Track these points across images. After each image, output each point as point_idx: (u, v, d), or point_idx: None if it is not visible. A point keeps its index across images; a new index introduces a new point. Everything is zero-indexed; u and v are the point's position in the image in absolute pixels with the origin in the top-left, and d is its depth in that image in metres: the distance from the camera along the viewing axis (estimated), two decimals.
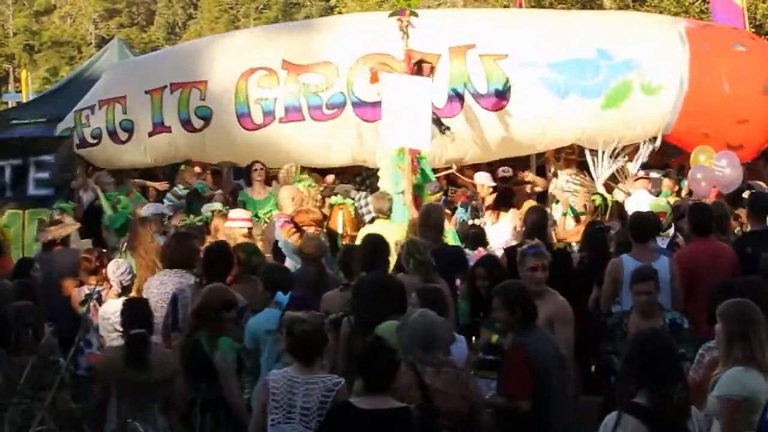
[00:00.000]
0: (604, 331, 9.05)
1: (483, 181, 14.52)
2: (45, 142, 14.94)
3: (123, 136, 15.89)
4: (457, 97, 14.27)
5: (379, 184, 12.53)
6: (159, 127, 15.64)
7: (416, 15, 12.37)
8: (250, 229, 11.32)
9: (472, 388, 7.10)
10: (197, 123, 15.38)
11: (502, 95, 14.27)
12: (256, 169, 14.26)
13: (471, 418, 6.94)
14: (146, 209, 12.24)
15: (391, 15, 12.59)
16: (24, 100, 39.74)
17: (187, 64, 15.97)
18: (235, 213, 11.58)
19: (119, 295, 9.54)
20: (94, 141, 16.06)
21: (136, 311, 7.88)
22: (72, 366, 6.98)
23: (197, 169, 15.08)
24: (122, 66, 18.18)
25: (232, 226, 11.22)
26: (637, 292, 8.60)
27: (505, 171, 15.25)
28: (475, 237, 12.19)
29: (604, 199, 12.45)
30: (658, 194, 13.78)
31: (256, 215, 12.93)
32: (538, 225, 10.36)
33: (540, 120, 14.38)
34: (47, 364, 6.76)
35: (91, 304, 8.99)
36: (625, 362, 5.83)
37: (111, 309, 9.19)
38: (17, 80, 70.13)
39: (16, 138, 16.18)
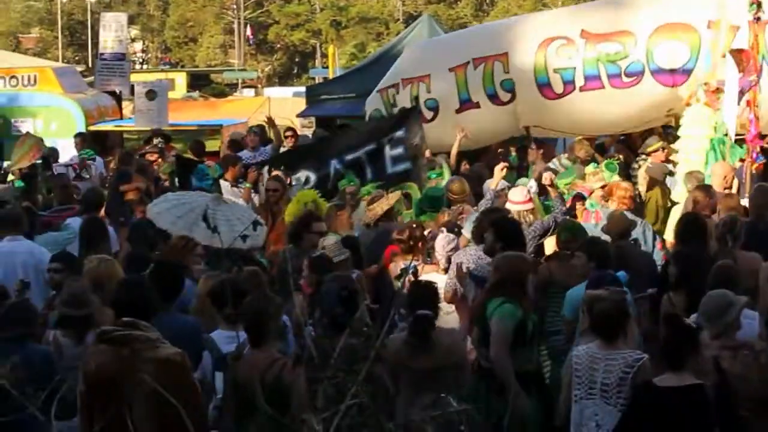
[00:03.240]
0: None
1: None
2: (391, 120, 15.60)
3: (428, 114, 16.19)
4: None
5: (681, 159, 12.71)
6: (467, 104, 15.99)
7: None
8: (530, 210, 11.48)
9: None
10: (504, 96, 15.74)
11: None
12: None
13: None
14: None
15: None
16: (330, 76, 41.13)
17: (486, 40, 16.57)
18: (514, 195, 11.76)
19: (446, 270, 9.96)
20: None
21: (422, 293, 8.11)
22: (386, 340, 7.23)
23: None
24: (420, 45, 18.73)
25: (510, 209, 11.53)
26: None
27: None
28: None
29: None
30: None
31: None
32: None
33: None
34: (362, 337, 6.99)
35: (407, 278, 9.30)
36: None
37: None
38: (324, 56, 72.61)
39: (363, 125, 16.74)
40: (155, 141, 18.26)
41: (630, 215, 11.04)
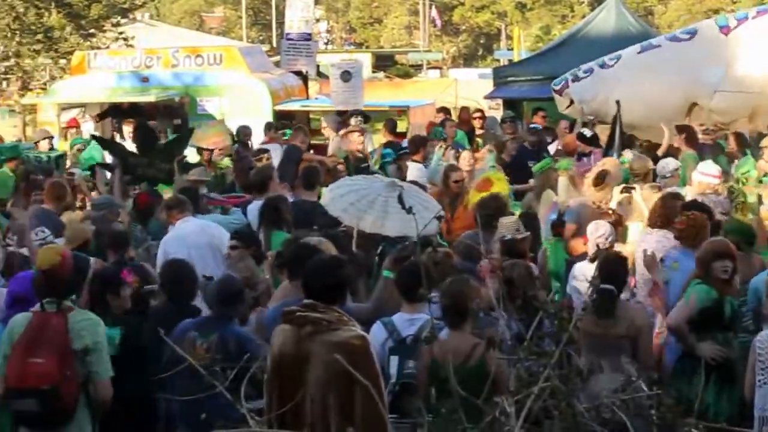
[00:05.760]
0: None
1: None
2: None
3: (610, 62, 16.73)
4: None
5: None
6: (647, 48, 16.78)
7: None
8: (714, 185, 11.43)
9: None
10: (683, 36, 16.87)
11: None
12: None
13: None
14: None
15: None
16: (515, 59, 41.04)
17: None
18: (708, 168, 11.68)
19: (592, 260, 9.55)
20: (585, 75, 16.85)
21: (611, 267, 8.49)
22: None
23: None
24: None
25: (701, 181, 11.53)
26: None
27: None
28: None
29: None
30: None
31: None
32: None
33: None
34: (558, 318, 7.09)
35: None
36: None
37: (580, 270, 9.77)
38: (509, 38, 72.38)
39: None
40: (353, 121, 18.36)
41: None
